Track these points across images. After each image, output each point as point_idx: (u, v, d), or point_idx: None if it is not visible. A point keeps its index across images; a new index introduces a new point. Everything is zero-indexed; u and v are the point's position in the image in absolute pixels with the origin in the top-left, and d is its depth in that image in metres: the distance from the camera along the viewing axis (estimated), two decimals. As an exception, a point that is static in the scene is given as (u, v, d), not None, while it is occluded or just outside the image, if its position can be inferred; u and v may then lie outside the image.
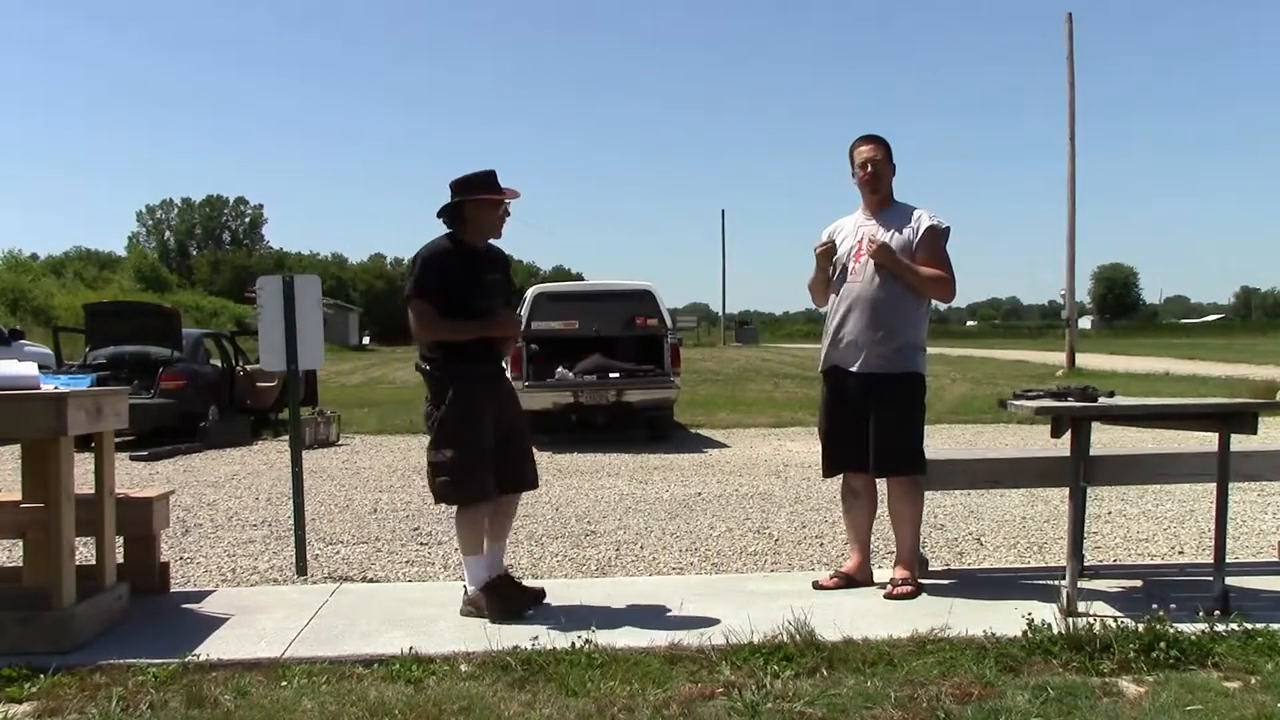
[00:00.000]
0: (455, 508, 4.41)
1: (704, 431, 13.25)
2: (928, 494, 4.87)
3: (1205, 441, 4.50)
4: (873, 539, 4.96)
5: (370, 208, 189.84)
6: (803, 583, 4.75)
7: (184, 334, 13.03)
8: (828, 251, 4.75)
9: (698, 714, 3.16)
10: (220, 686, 3.41)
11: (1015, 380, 19.86)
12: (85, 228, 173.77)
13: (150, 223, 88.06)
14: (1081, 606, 4.06)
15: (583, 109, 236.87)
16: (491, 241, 4.51)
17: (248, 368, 13.47)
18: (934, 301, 4.83)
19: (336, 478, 9.22)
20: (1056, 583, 4.23)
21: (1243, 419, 4.19)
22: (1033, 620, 3.73)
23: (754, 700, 3.21)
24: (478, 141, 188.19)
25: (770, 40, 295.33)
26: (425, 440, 4.43)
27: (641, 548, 6.04)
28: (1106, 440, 7.45)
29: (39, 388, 3.92)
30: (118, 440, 4.93)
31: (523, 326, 4.41)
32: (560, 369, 11.67)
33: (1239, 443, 4.31)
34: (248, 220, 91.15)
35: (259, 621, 4.20)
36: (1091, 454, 4.60)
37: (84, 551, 4.37)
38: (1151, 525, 6.53)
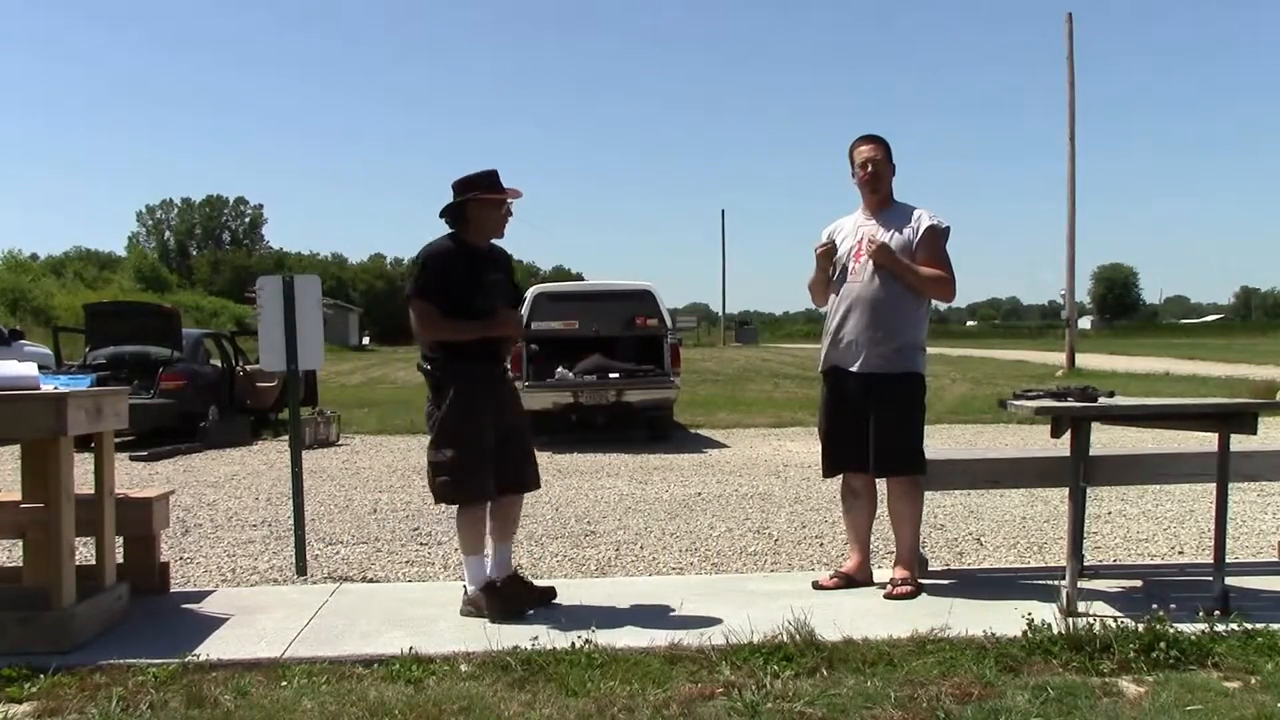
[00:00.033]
0: (456, 508, 4.41)
1: (704, 431, 13.25)
2: (928, 494, 4.87)
3: (1205, 441, 4.50)
4: (873, 539, 4.96)
5: (370, 208, 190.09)
6: (803, 583, 4.75)
7: (184, 334, 13.03)
8: (828, 252, 4.75)
9: (698, 714, 3.16)
10: (220, 686, 3.41)
11: (1015, 380, 19.87)
12: (85, 228, 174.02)
13: (150, 223, 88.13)
14: (1081, 606, 4.06)
15: (583, 109, 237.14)
16: (494, 242, 4.51)
17: (248, 368, 13.47)
18: (934, 301, 4.83)
19: (336, 478, 9.21)
20: (1056, 583, 4.23)
21: (1243, 419, 4.19)
22: (1033, 620, 3.73)
23: (754, 700, 3.21)
24: (478, 141, 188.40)
25: (770, 40, 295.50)
26: (425, 440, 4.43)
27: (641, 548, 6.04)
28: (1106, 440, 7.45)
29: (39, 388, 3.92)
30: (118, 440, 4.94)
31: (523, 326, 4.42)
32: (560, 369, 11.67)
33: (1239, 443, 4.31)
34: (248, 220, 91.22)
35: (259, 621, 4.20)
36: (1091, 454, 4.60)
37: (84, 551, 4.37)
38: (1151, 525, 6.53)
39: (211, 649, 3.79)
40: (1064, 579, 4.17)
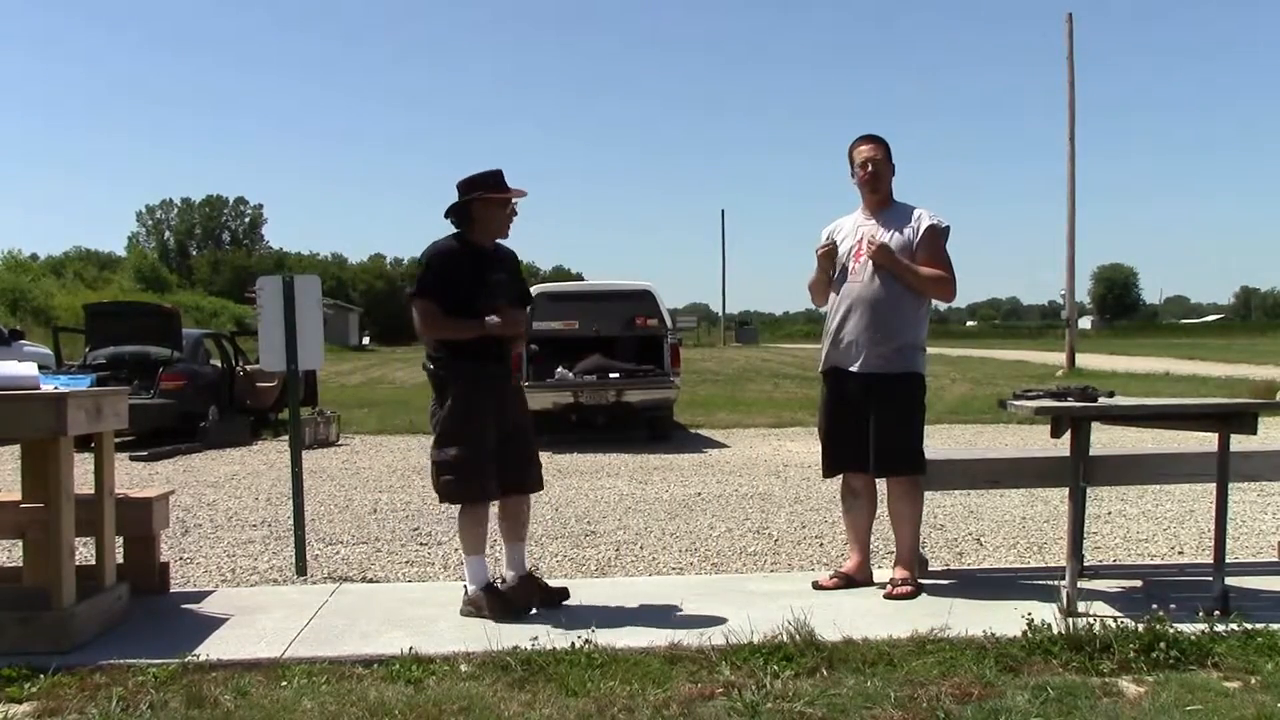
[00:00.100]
0: (457, 508, 4.41)
1: (704, 431, 13.25)
2: (928, 494, 4.87)
3: (1205, 441, 4.50)
4: (873, 539, 4.96)
5: (370, 208, 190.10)
6: (803, 583, 4.75)
7: (184, 334, 13.04)
8: (829, 253, 4.75)
9: (698, 714, 3.16)
10: (220, 686, 3.41)
11: (1015, 380, 19.87)
12: (85, 228, 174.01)
13: (150, 223, 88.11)
14: (1081, 606, 4.06)
15: (583, 109, 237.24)
16: (501, 242, 4.52)
17: (248, 368, 13.47)
18: (935, 301, 4.83)
19: (336, 478, 9.21)
20: (1056, 583, 4.23)
21: (1243, 419, 4.19)
22: (1033, 620, 3.73)
23: (754, 700, 3.21)
24: (478, 141, 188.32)
25: (770, 40, 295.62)
26: (426, 440, 4.43)
27: (641, 548, 6.04)
28: (1106, 440, 7.45)
29: (39, 388, 3.92)
30: (118, 440, 4.94)
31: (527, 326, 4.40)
32: (560, 369, 11.68)
33: (1239, 443, 4.31)
34: (248, 220, 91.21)
35: (259, 621, 4.20)
36: (1091, 454, 4.60)
37: (84, 551, 4.37)
38: (1151, 525, 6.53)
39: (211, 649, 3.79)
40: (1064, 579, 4.17)
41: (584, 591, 4.59)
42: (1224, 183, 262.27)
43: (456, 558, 5.59)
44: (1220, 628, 3.75)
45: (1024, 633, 3.69)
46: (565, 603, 4.38)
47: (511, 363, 4.54)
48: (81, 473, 4.07)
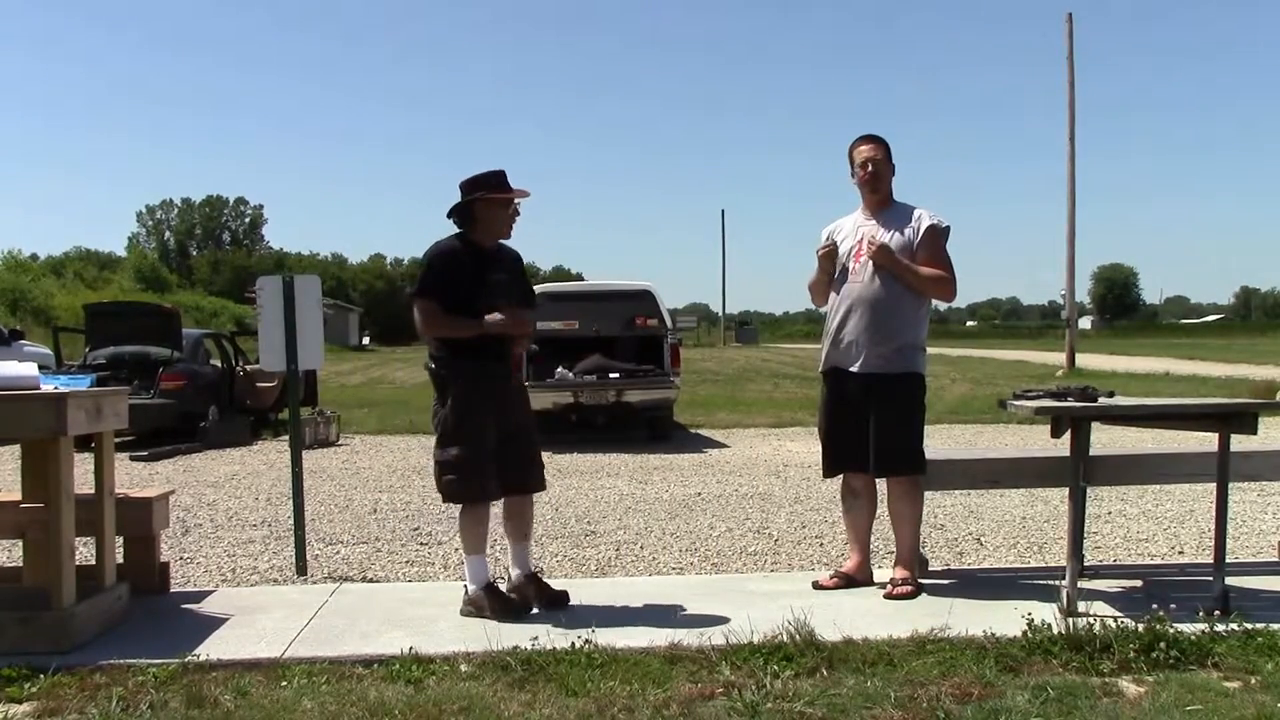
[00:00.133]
0: (458, 507, 4.41)
1: (704, 431, 13.25)
2: (928, 494, 4.87)
3: (1205, 441, 4.50)
4: (873, 539, 4.96)
5: (370, 208, 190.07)
6: (803, 583, 4.75)
7: (184, 334, 13.04)
8: (830, 254, 4.75)
9: (698, 714, 3.16)
10: (220, 686, 3.41)
11: (1015, 380, 19.87)
12: (85, 228, 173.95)
13: (150, 223, 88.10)
14: (1081, 606, 4.06)
15: (583, 109, 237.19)
16: (505, 243, 4.52)
17: (248, 368, 13.47)
18: (935, 301, 4.83)
19: (336, 478, 9.21)
20: (1056, 583, 4.23)
21: (1243, 419, 4.19)
22: (1033, 620, 3.73)
23: (754, 700, 3.21)
24: (478, 141, 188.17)
25: (770, 40, 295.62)
26: (426, 440, 4.44)
27: (641, 548, 6.04)
28: (1106, 440, 7.45)
29: (39, 388, 3.92)
30: (118, 440, 4.94)
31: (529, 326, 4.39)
32: (560, 369, 11.68)
33: (1239, 443, 4.31)
34: (248, 220, 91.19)
35: (259, 621, 4.20)
36: (1091, 454, 4.60)
37: (84, 551, 4.37)
38: (1151, 525, 6.53)
39: (211, 649, 3.79)
40: (1064, 579, 4.17)
41: (584, 591, 4.59)
42: (1224, 183, 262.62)
43: (456, 558, 5.59)
44: (1220, 628, 3.75)
45: (1024, 633, 3.69)
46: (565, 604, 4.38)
47: (513, 362, 4.54)
48: (81, 473, 4.07)
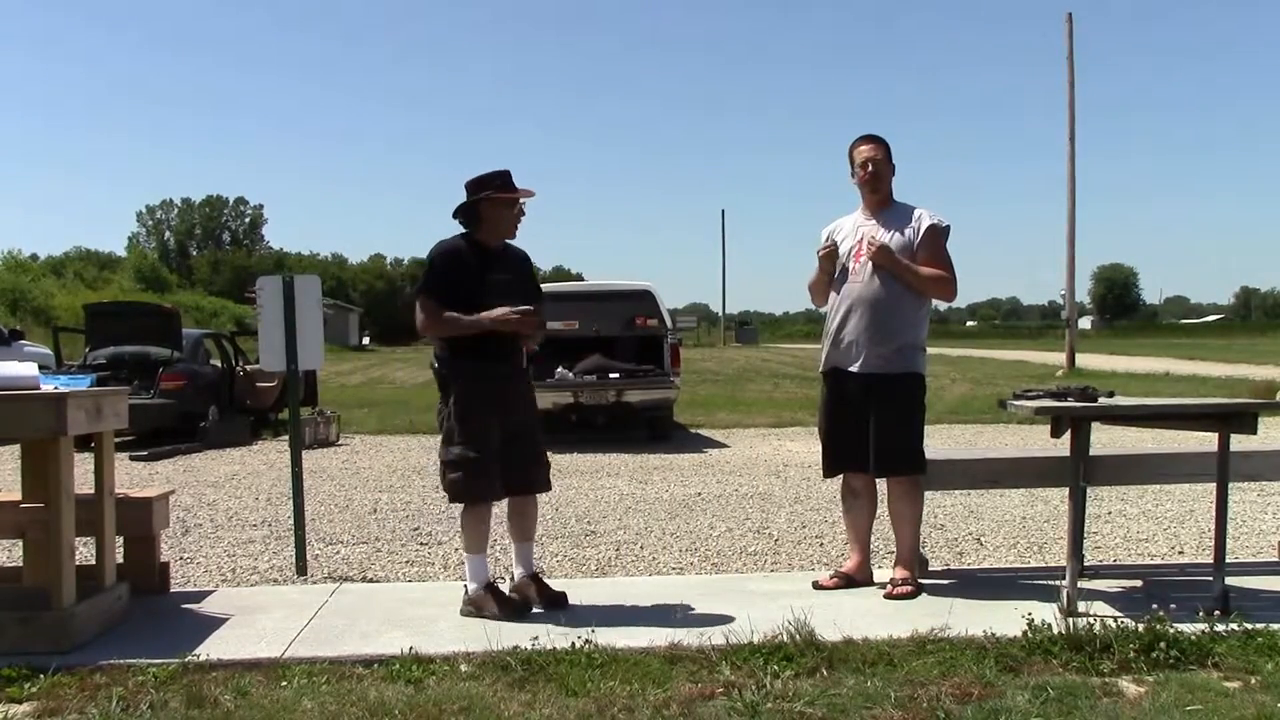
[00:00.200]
0: (460, 507, 4.41)
1: (704, 431, 13.25)
2: (928, 494, 4.87)
3: (1205, 441, 4.50)
4: (873, 539, 4.96)
5: (370, 208, 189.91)
6: (803, 583, 4.75)
7: (184, 334, 13.04)
8: (831, 254, 4.74)
9: (698, 714, 3.16)
10: (220, 686, 3.41)
11: (1015, 380, 19.87)
12: (85, 228, 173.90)
13: (150, 223, 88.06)
14: (1081, 606, 4.06)
15: (583, 109, 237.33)
16: (511, 243, 4.52)
17: (248, 368, 13.47)
18: (935, 301, 4.83)
19: (336, 478, 9.21)
20: (1056, 583, 4.23)
21: (1243, 419, 4.19)
22: (1033, 620, 3.73)
23: (754, 700, 3.21)
24: (478, 141, 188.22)
25: (770, 40, 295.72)
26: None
27: (641, 548, 6.04)
28: (1106, 440, 7.45)
29: (39, 388, 3.92)
30: (118, 440, 4.94)
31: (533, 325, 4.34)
32: (560, 369, 11.68)
33: (1239, 443, 4.31)
34: (248, 220, 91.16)
35: (259, 621, 4.20)
36: (1091, 454, 4.60)
37: (84, 551, 4.37)
38: (1151, 525, 6.53)
39: (211, 649, 3.79)
40: (1064, 579, 4.17)
41: (584, 591, 4.59)
42: (1224, 183, 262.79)
43: (456, 558, 5.59)
44: (1220, 628, 3.75)
45: (1024, 633, 3.69)
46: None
47: (518, 362, 4.50)
48: (81, 473, 4.07)
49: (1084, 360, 28.54)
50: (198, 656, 3.67)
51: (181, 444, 11.40)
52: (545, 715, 3.16)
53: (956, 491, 7.06)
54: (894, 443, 4.56)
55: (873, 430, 4.57)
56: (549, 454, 4.61)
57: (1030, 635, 3.67)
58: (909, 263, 4.60)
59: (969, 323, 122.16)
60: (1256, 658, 3.53)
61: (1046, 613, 3.89)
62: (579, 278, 66.71)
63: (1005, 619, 3.87)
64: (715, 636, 3.79)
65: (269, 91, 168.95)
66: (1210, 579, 4.17)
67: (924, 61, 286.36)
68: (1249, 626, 3.74)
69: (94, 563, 4.25)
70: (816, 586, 4.66)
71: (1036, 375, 24.21)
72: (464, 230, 4.45)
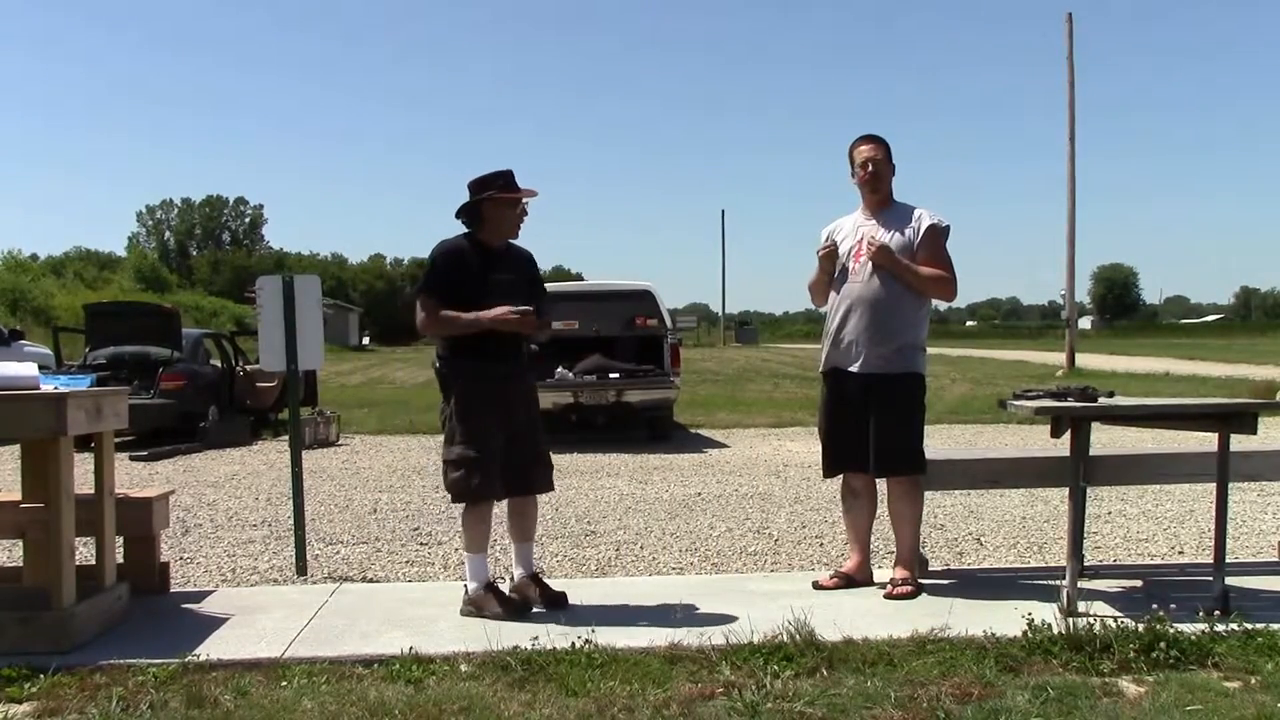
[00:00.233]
0: (461, 506, 4.41)
1: (704, 431, 13.25)
2: (928, 494, 4.87)
3: (1205, 441, 4.50)
4: (873, 539, 4.96)
5: (370, 208, 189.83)
6: (803, 583, 4.75)
7: (184, 334, 13.04)
8: (831, 254, 4.74)
9: (698, 714, 3.16)
10: (220, 686, 3.41)
11: (1015, 380, 19.87)
12: (85, 228, 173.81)
13: (150, 223, 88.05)
14: (1081, 606, 4.06)
15: (583, 109, 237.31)
16: (515, 243, 4.52)
17: (248, 368, 13.47)
18: (935, 301, 4.82)
19: (336, 478, 9.21)
20: (1056, 583, 4.23)
21: (1243, 419, 4.19)
22: (1033, 620, 3.73)
23: (754, 700, 3.21)
24: (478, 141, 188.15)
25: (770, 40, 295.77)
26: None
27: (641, 548, 6.04)
28: (1106, 440, 7.45)
29: (39, 388, 3.92)
30: (118, 440, 4.94)
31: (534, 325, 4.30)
32: (560, 369, 11.68)
33: (1239, 443, 4.31)
34: (248, 220, 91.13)
35: (259, 621, 4.20)
36: (1091, 454, 4.60)
37: (84, 551, 4.37)
38: (1151, 525, 6.53)
39: (211, 649, 3.79)
40: (1064, 579, 4.17)
41: (584, 591, 4.59)
42: (1224, 183, 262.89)
43: (457, 558, 5.59)
44: (1220, 628, 3.75)
45: (1024, 633, 3.69)
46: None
47: (519, 362, 4.49)
48: (81, 473, 4.07)
49: (1084, 360, 28.54)
50: (198, 656, 3.67)
51: (181, 444, 11.40)
52: (545, 715, 3.16)
53: (956, 491, 7.06)
54: (894, 443, 4.56)
55: (873, 430, 4.57)
56: (551, 454, 4.60)
57: (1030, 635, 3.67)
58: (909, 263, 4.60)
59: (969, 323, 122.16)
60: (1256, 658, 3.53)
61: (1046, 613, 3.89)
62: (579, 277, 66.61)
63: (1005, 619, 3.87)
64: (715, 636, 3.79)
65: (269, 91, 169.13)
66: (1210, 579, 4.17)
67: (924, 61, 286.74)
68: (1249, 626, 3.74)
69: (94, 563, 4.25)
70: (816, 586, 4.66)
71: (1036, 375, 24.22)
72: (466, 230, 4.45)
